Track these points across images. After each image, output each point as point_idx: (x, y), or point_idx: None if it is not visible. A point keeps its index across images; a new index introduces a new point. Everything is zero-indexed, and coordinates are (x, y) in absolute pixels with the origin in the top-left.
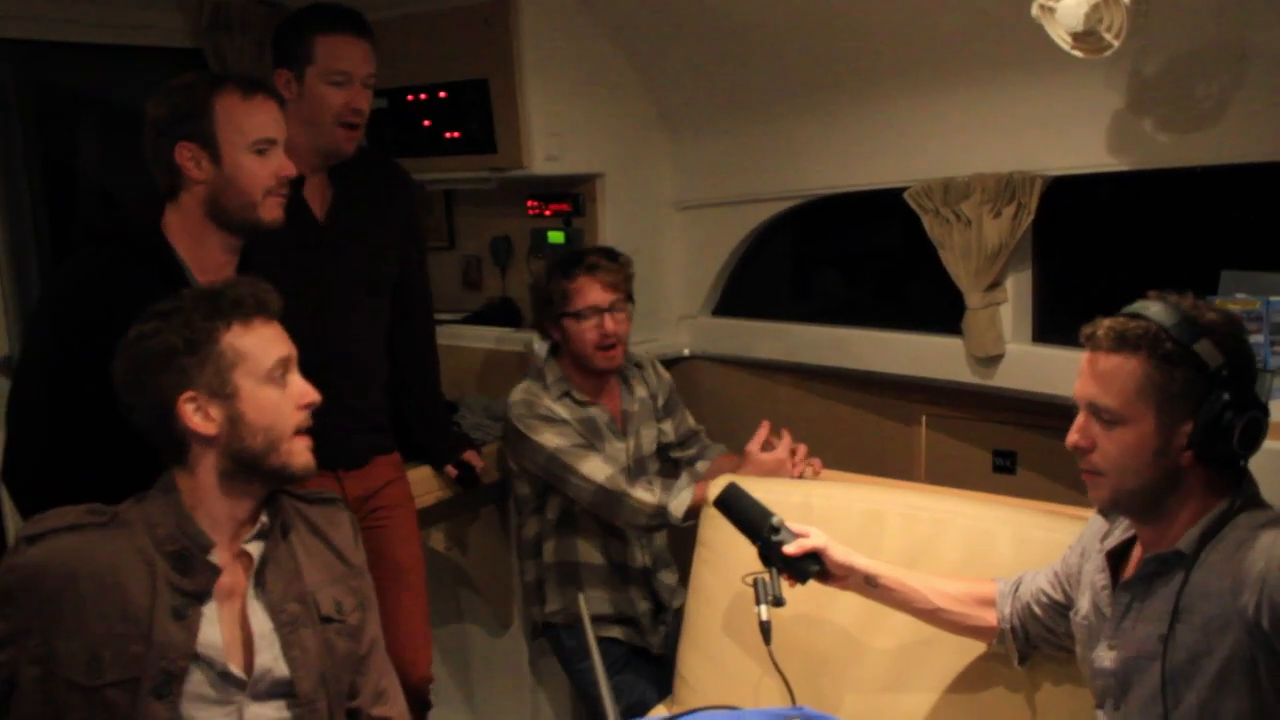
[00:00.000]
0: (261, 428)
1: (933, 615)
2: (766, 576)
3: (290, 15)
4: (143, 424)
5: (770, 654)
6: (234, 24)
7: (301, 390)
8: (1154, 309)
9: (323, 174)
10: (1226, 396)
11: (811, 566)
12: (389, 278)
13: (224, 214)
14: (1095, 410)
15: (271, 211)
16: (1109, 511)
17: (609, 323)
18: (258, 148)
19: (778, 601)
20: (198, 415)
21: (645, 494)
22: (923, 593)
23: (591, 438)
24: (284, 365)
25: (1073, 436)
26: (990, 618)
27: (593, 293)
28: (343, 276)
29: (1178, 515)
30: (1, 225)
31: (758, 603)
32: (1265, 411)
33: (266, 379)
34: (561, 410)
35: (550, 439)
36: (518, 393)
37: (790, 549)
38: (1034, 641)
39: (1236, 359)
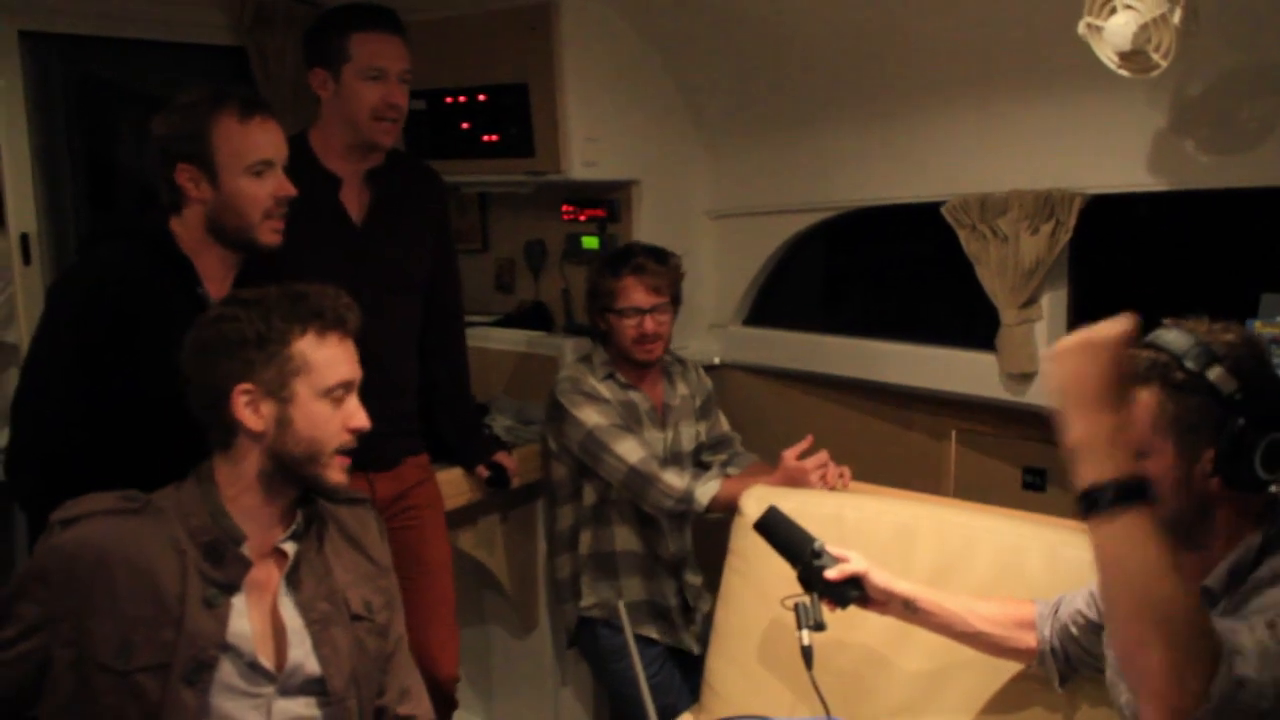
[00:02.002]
0: (306, 438)
1: (973, 639)
2: (807, 601)
3: (323, 14)
4: (198, 403)
5: (812, 679)
6: (277, 22)
7: (352, 413)
8: (1167, 337)
9: (360, 176)
10: (1243, 421)
11: (852, 592)
12: (422, 280)
13: (222, 233)
14: None
15: (268, 236)
16: None
17: (649, 324)
18: (255, 170)
19: (819, 626)
20: (249, 409)
21: (674, 478)
22: (962, 616)
23: (630, 421)
24: (346, 387)
25: None
26: (1029, 640)
27: (636, 294)
28: (377, 279)
29: (1213, 545)
30: (44, 217)
31: (799, 627)
32: None
33: (324, 395)
34: (605, 390)
35: (591, 416)
36: (565, 369)
37: (832, 574)
38: (1074, 664)
39: (1253, 382)
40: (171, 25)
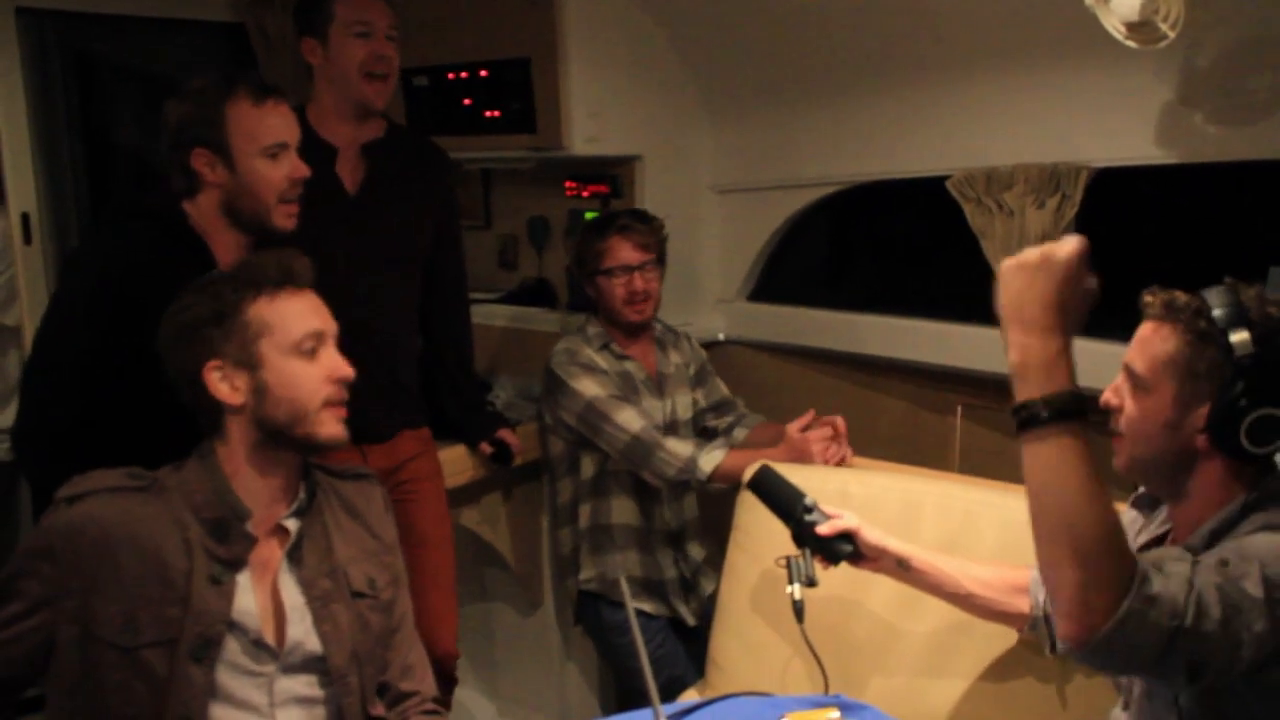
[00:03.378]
0: (286, 399)
1: (965, 600)
2: (800, 557)
3: None
4: (182, 394)
5: (803, 632)
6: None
7: (333, 364)
8: (1212, 290)
9: (356, 148)
10: (1243, 385)
11: (844, 547)
12: (420, 254)
13: (238, 216)
14: (1128, 372)
15: (282, 220)
16: (1126, 477)
17: (638, 281)
18: (270, 152)
19: (810, 582)
20: (224, 384)
21: (678, 446)
22: (955, 577)
23: (628, 391)
24: (316, 338)
25: (1105, 394)
26: (1022, 605)
27: (623, 252)
28: (371, 250)
29: (1199, 505)
30: (44, 195)
31: (790, 582)
32: None
33: (294, 350)
34: (601, 361)
35: (589, 387)
36: (561, 343)
37: (823, 529)
38: None
39: (1275, 354)
40: (170, 2)
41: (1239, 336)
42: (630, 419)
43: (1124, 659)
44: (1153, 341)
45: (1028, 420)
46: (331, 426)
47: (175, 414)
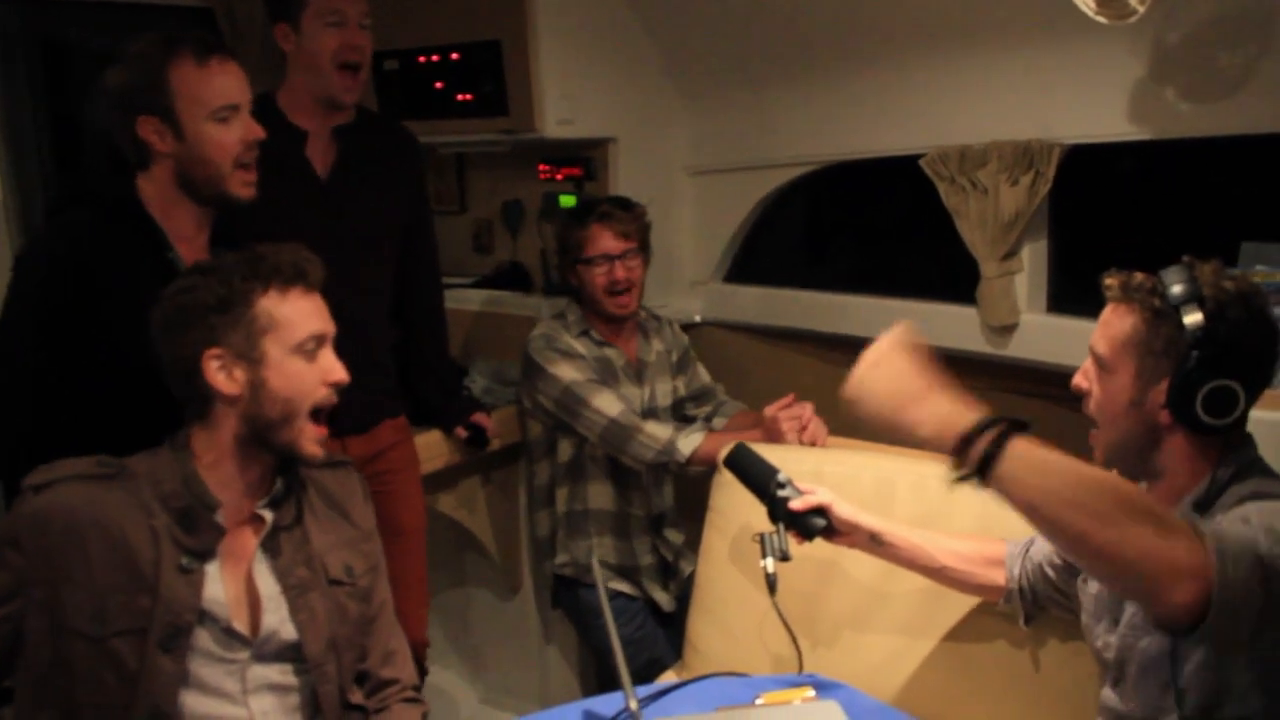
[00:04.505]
0: (282, 398)
1: (939, 573)
2: (774, 532)
3: None
4: (171, 375)
5: (775, 605)
6: None
7: (329, 367)
8: (1168, 270)
9: (327, 132)
10: (1196, 357)
11: (817, 522)
12: (393, 238)
13: (193, 186)
14: (1094, 355)
15: (240, 188)
16: (1107, 465)
17: (619, 270)
18: (219, 116)
19: (784, 556)
20: (221, 374)
21: (657, 428)
22: (929, 551)
23: (606, 377)
24: (317, 340)
25: (1076, 377)
26: (998, 577)
27: (604, 240)
28: (344, 235)
29: (1173, 480)
30: (10, 182)
31: (764, 556)
32: (1248, 384)
33: (296, 350)
34: (580, 347)
35: (566, 372)
36: (539, 328)
37: (796, 504)
38: (1041, 603)
39: (1225, 328)
40: None
41: (1192, 312)
42: (608, 403)
43: (1246, 603)
44: (1112, 323)
45: (985, 462)
46: (312, 445)
47: (141, 405)
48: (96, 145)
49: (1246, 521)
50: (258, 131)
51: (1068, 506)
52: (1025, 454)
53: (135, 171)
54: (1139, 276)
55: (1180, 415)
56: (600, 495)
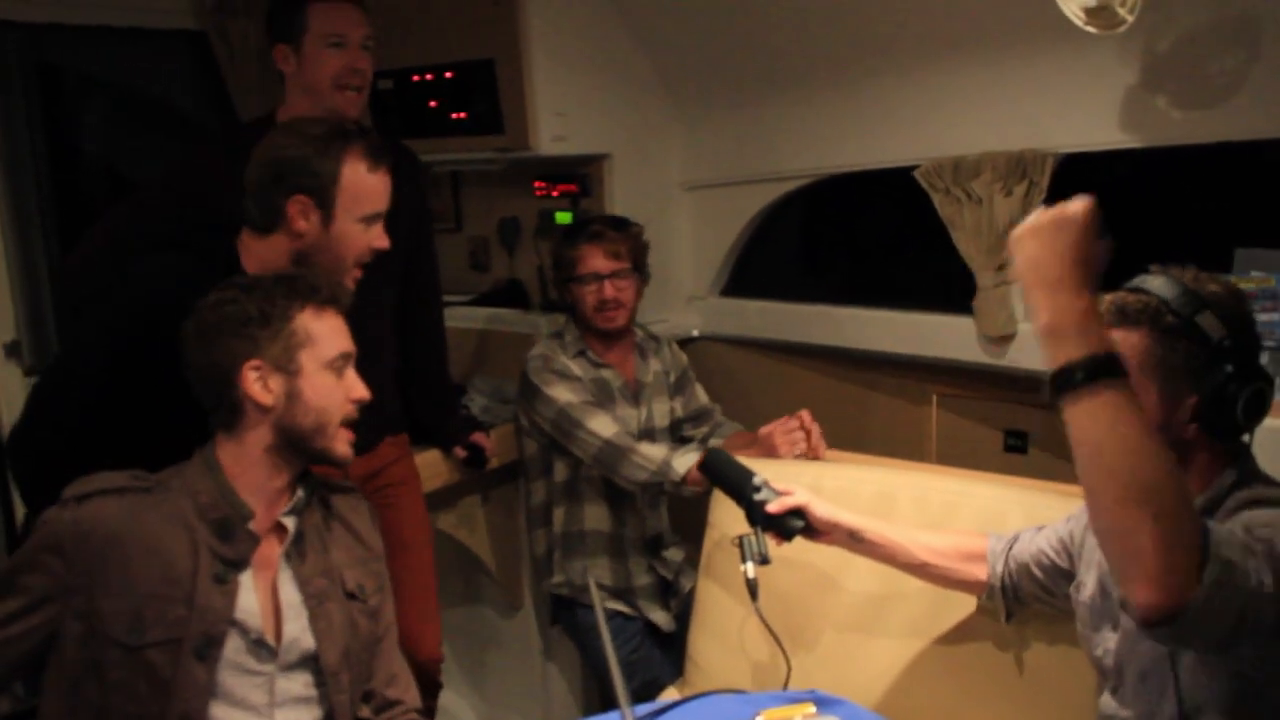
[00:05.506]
0: (315, 409)
1: (921, 569)
2: (753, 536)
3: None
4: (203, 385)
5: (757, 610)
6: (238, 7)
7: (353, 385)
8: (1155, 283)
9: None
10: (1230, 368)
11: (795, 523)
12: (395, 260)
13: (309, 267)
14: None
15: (351, 281)
16: None
17: (608, 289)
18: (369, 219)
19: (763, 560)
20: (258, 384)
21: (651, 449)
22: (908, 547)
23: (603, 398)
24: (345, 359)
25: None
26: (979, 573)
27: (594, 260)
28: None
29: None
30: (8, 208)
31: (743, 560)
32: (1270, 382)
33: (328, 366)
34: (576, 368)
35: (562, 393)
36: (536, 348)
37: (773, 507)
38: (1024, 600)
39: (1239, 330)
40: (132, 11)
41: (1207, 321)
42: (602, 425)
43: (1212, 626)
44: (1121, 351)
45: (1072, 382)
46: (344, 447)
47: (166, 423)
48: (95, 173)
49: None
50: (384, 242)
51: (1106, 471)
52: (1098, 409)
53: (248, 229)
54: (1132, 299)
55: (1213, 427)
56: (596, 517)
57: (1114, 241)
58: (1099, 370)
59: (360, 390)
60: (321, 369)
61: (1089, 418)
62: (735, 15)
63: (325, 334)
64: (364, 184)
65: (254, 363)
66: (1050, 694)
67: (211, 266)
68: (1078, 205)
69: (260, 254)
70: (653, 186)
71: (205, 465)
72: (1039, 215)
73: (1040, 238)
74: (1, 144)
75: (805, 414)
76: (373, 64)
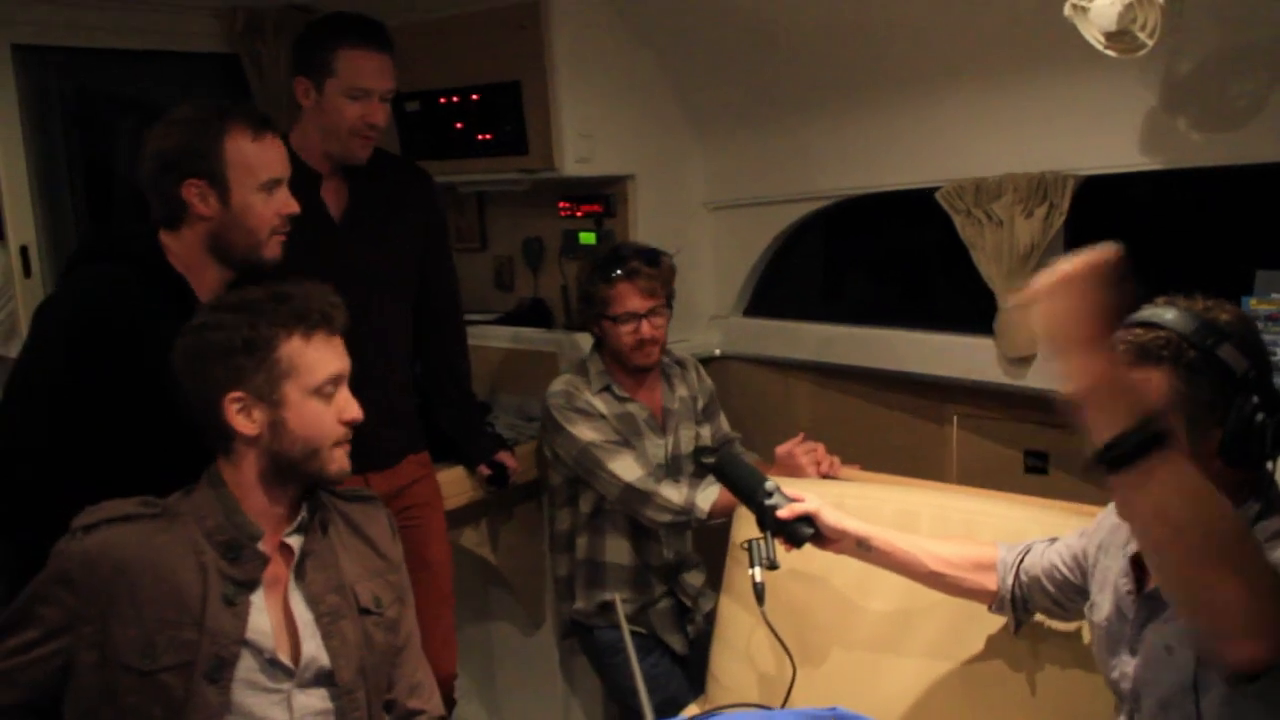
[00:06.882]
0: (301, 438)
1: (930, 578)
2: (762, 540)
3: (313, 23)
4: (190, 412)
5: (763, 615)
6: (268, 30)
7: (345, 406)
8: (1169, 316)
9: (339, 175)
10: (1256, 399)
11: (805, 530)
12: (409, 276)
13: (226, 250)
14: None
15: (274, 250)
16: None
17: (645, 328)
18: (267, 186)
19: (772, 565)
20: (241, 415)
21: (672, 492)
22: (917, 556)
23: (629, 434)
24: (335, 381)
25: None
26: (988, 582)
27: (631, 299)
28: (360, 277)
29: None
30: (44, 228)
31: (752, 565)
32: None
33: (315, 393)
34: (600, 405)
35: (585, 433)
36: (559, 383)
37: (783, 513)
38: (1033, 610)
39: (1259, 360)
40: (165, 35)
41: (1228, 353)
42: (625, 467)
43: None
44: (1144, 390)
45: (1119, 460)
46: (339, 462)
47: (154, 451)
48: (128, 194)
49: None
50: (293, 207)
51: (1175, 534)
52: (1156, 481)
53: (160, 228)
54: (1148, 335)
55: (1240, 459)
56: (618, 550)
57: (1134, 285)
58: (1149, 441)
59: (353, 411)
60: (307, 397)
61: (1147, 492)
62: (755, 39)
63: (313, 361)
64: (250, 153)
65: (235, 394)
66: (1070, 716)
67: (146, 270)
68: (1098, 254)
69: (177, 250)
70: (676, 207)
71: (211, 487)
72: (1059, 267)
73: (1062, 293)
74: (37, 165)
75: (819, 447)
76: (389, 112)
